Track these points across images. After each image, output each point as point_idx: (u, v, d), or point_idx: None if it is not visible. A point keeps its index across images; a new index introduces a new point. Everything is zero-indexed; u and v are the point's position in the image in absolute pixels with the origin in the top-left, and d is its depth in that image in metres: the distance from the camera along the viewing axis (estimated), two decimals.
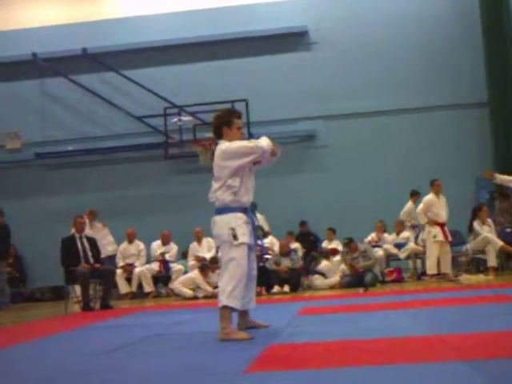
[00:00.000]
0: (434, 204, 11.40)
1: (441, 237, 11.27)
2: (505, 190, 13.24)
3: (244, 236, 5.03)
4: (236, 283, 4.92)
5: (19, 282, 14.94)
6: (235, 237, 4.98)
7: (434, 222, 11.35)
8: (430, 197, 11.47)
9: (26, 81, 16.26)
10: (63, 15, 16.34)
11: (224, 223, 5.07)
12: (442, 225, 11.30)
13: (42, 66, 15.87)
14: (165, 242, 13.48)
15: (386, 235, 13.28)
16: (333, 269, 12.20)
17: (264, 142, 5.14)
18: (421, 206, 11.69)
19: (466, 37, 15.11)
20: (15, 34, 16.13)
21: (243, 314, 5.35)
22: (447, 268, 11.24)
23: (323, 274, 12.06)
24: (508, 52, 14.56)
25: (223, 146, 5.22)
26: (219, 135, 5.32)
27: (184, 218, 14.51)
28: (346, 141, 15.07)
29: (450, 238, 11.33)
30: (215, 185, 5.19)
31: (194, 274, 11.95)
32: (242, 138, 5.35)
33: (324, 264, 12.14)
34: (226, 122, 5.31)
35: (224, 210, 5.11)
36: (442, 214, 11.35)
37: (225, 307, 4.93)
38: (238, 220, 5.07)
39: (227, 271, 4.96)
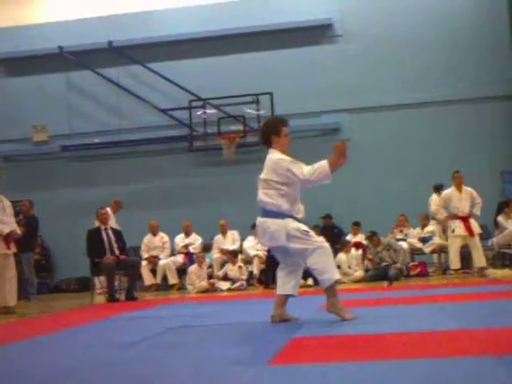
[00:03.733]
0: (453, 197, 11.19)
1: (461, 231, 11.04)
2: None
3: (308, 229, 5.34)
4: (331, 259, 5.29)
5: (45, 272, 15.10)
6: (305, 231, 5.25)
7: (453, 216, 11.17)
8: (448, 191, 11.29)
9: (53, 74, 16.40)
10: (89, 8, 16.44)
11: (280, 226, 5.24)
12: (464, 218, 11.06)
13: (69, 59, 16.00)
14: (187, 233, 13.55)
15: (410, 229, 13.17)
16: (355, 262, 12.15)
17: (318, 172, 5.13)
18: (439, 201, 11.55)
19: (491, 29, 14.94)
20: (41, 28, 16.28)
21: (284, 303, 5.45)
22: (479, 261, 10.90)
23: (338, 267, 12.00)
24: None
25: (275, 156, 5.35)
26: (268, 143, 5.47)
27: (208, 210, 14.60)
28: (370, 134, 15.00)
29: (476, 232, 11.02)
30: (267, 189, 5.33)
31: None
32: (289, 144, 5.49)
33: (340, 257, 12.08)
34: (274, 130, 5.47)
35: (279, 214, 5.27)
36: (463, 208, 11.09)
37: (334, 282, 5.25)
38: (294, 223, 5.29)
39: (317, 253, 5.17)
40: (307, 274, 11.39)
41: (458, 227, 11.02)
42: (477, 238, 11.02)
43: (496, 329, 4.30)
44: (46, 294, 13.89)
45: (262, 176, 5.39)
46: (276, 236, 5.25)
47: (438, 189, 12.81)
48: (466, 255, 11.51)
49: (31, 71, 16.43)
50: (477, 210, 11.16)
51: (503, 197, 13.55)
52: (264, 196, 5.33)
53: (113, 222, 11.54)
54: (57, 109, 16.21)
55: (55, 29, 16.16)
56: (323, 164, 5.12)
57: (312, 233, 5.34)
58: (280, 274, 5.50)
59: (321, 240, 5.34)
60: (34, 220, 12.31)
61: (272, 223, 5.27)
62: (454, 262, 11.13)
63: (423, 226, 13.13)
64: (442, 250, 12.55)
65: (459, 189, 11.16)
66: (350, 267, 12.05)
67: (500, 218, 12.02)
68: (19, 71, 16.55)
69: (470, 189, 11.21)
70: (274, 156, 5.35)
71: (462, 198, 11.12)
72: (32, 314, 8.98)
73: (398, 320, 5.18)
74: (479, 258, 10.91)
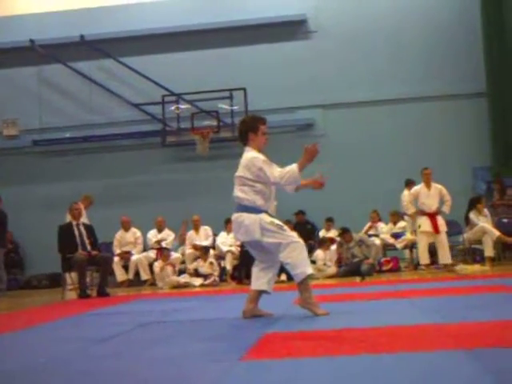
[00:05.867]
0: (421, 194, 11.29)
1: (427, 227, 11.14)
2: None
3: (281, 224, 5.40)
4: (304, 254, 5.27)
5: (15, 268, 14.92)
6: (279, 225, 5.29)
7: (421, 212, 11.28)
8: (417, 187, 11.40)
9: (24, 67, 16.19)
10: (61, 2, 16.25)
11: (255, 220, 5.27)
12: (431, 215, 11.16)
13: (40, 52, 15.80)
14: (160, 229, 13.49)
15: (382, 225, 13.27)
16: (329, 257, 12.18)
17: (288, 176, 5.19)
18: (408, 196, 11.65)
19: (465, 27, 15.05)
20: (13, 21, 16.06)
21: (257, 299, 5.46)
22: (444, 258, 11.07)
23: (314, 262, 12.02)
24: (507, 42, 14.50)
25: (250, 154, 5.39)
26: (245, 140, 5.51)
27: (181, 205, 14.53)
28: (345, 130, 15.05)
29: (441, 229, 11.13)
30: (242, 185, 5.36)
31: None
32: (266, 143, 5.53)
33: (317, 253, 12.10)
34: (251, 127, 5.49)
35: (253, 209, 5.31)
36: (430, 204, 11.19)
37: (308, 277, 5.27)
38: (268, 217, 5.33)
39: (291, 248, 5.20)
40: (281, 269, 11.42)
41: (425, 223, 11.15)
42: (443, 235, 11.12)
43: (467, 323, 4.34)
44: (16, 291, 13.73)
45: (237, 173, 5.43)
46: (250, 230, 5.27)
47: (409, 184, 12.90)
48: (434, 251, 11.60)
49: (1, 64, 16.19)
50: (446, 208, 11.27)
51: (475, 193, 13.69)
52: (239, 192, 5.37)
53: (84, 218, 11.45)
54: (28, 103, 16.02)
55: (26, 22, 15.94)
56: (293, 168, 5.18)
57: (286, 227, 5.37)
58: (254, 270, 5.51)
59: (294, 235, 5.39)
60: (2, 215, 12.12)
61: (247, 217, 5.30)
62: (423, 257, 11.28)
63: (395, 222, 13.21)
64: (413, 245, 12.65)
65: (428, 185, 11.27)
66: (324, 264, 12.07)
67: (471, 215, 12.14)
68: None
69: (439, 186, 11.32)
70: (249, 154, 5.39)
71: (430, 195, 11.24)
72: (2, 310, 8.86)
73: (371, 315, 5.21)
74: (444, 255, 11.05)
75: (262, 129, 5.49)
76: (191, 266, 12.30)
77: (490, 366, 2.93)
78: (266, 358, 3.48)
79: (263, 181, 5.30)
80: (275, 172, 5.24)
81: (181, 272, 12.37)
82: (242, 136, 5.55)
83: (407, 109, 15.05)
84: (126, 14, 15.88)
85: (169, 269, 11.98)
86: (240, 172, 5.39)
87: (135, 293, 11.10)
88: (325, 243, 12.41)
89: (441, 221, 11.20)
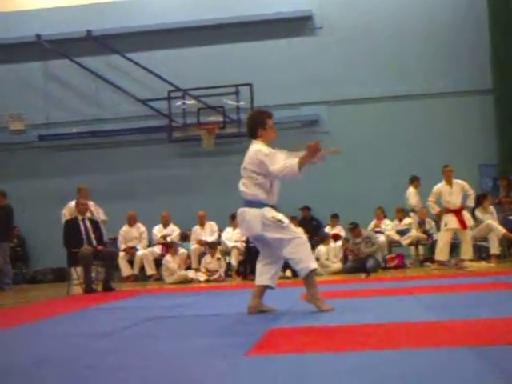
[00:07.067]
0: (443, 192, 11.16)
1: (454, 224, 10.99)
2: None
3: (285, 219, 5.35)
4: (307, 249, 5.29)
5: (21, 262, 14.96)
6: (280, 221, 5.26)
7: (446, 210, 11.13)
8: (439, 185, 11.25)
9: (30, 62, 16.23)
10: None
11: (256, 215, 5.28)
12: (456, 212, 11.02)
13: (46, 47, 15.82)
14: (165, 224, 13.51)
15: (387, 221, 13.25)
16: (333, 253, 12.18)
17: (286, 172, 5.19)
18: (430, 196, 11.52)
19: (471, 23, 15.01)
20: (19, 16, 16.08)
21: (261, 294, 5.47)
22: (467, 254, 10.89)
23: (317, 259, 12.01)
24: None
25: (255, 147, 5.41)
26: (254, 135, 5.52)
27: (186, 201, 14.56)
28: (349, 126, 15.01)
29: (468, 225, 10.99)
30: (245, 178, 5.40)
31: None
32: (275, 136, 5.57)
33: (319, 249, 12.09)
34: (259, 122, 5.52)
35: (256, 203, 5.31)
36: (454, 201, 11.07)
37: (311, 272, 5.25)
38: (271, 212, 5.31)
39: (293, 244, 5.21)
40: (285, 265, 11.42)
41: (451, 221, 10.95)
42: (468, 231, 11.03)
43: (472, 320, 4.34)
44: (21, 285, 13.77)
45: (243, 165, 5.44)
46: (251, 225, 5.30)
47: (414, 181, 12.83)
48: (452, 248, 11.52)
49: (8, 59, 16.22)
50: (470, 202, 11.19)
51: (481, 190, 13.64)
52: (242, 186, 5.40)
53: (99, 213, 11.59)
54: (34, 98, 16.04)
55: (33, 17, 15.96)
56: (293, 164, 5.16)
57: (289, 223, 5.37)
58: (259, 265, 5.52)
59: (297, 230, 5.41)
60: (9, 210, 12.15)
61: (249, 212, 5.32)
62: (443, 253, 10.98)
63: (400, 219, 13.19)
64: (419, 242, 12.62)
65: (449, 183, 11.10)
66: (328, 259, 12.07)
67: (477, 212, 12.10)
68: None
69: (461, 181, 11.16)
70: (255, 147, 5.41)
71: (453, 192, 11.07)
72: (8, 304, 8.89)
73: (375, 311, 5.21)
74: (468, 251, 10.91)
75: (269, 123, 5.51)
76: (197, 264, 12.30)
77: (495, 363, 2.93)
78: (271, 354, 3.49)
79: (265, 173, 5.31)
80: (277, 165, 5.23)
81: (187, 267, 12.38)
82: (251, 131, 5.56)
83: (413, 105, 15.02)
84: (133, 9, 15.88)
85: (181, 263, 12.00)
86: (245, 163, 5.42)
87: (140, 288, 11.12)
88: (326, 239, 12.41)
89: (467, 216, 11.07)
